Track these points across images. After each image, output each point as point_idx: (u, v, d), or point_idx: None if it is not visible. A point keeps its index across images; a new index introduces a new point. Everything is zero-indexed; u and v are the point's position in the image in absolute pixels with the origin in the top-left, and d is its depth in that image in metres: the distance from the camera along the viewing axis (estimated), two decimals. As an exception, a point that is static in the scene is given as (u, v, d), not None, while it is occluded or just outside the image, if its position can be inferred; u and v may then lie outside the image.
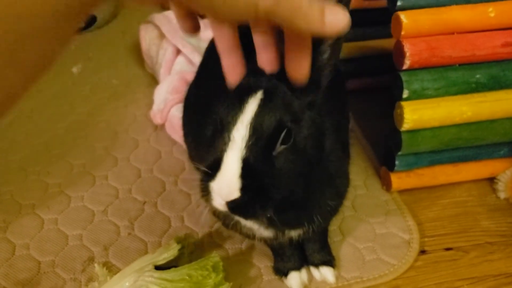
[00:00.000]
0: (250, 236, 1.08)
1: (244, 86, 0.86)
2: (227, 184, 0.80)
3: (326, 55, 0.87)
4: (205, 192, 0.84)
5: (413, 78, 1.22)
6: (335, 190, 1.03)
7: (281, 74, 0.86)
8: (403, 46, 1.19)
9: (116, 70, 2.01)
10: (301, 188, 0.89)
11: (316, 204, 0.98)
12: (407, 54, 1.19)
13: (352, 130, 1.64)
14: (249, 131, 0.81)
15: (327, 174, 0.98)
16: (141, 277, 1.09)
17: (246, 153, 0.81)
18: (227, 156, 0.81)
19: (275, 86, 0.85)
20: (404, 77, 1.22)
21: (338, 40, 0.87)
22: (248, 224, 1.01)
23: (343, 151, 1.09)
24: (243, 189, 0.80)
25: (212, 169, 0.83)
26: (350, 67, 1.75)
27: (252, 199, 0.81)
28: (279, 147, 0.83)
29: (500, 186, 1.41)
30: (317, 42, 0.84)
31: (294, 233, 1.04)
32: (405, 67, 1.20)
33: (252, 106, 0.83)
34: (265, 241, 1.15)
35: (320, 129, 0.92)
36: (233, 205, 0.81)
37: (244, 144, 0.81)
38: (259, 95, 0.83)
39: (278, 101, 0.84)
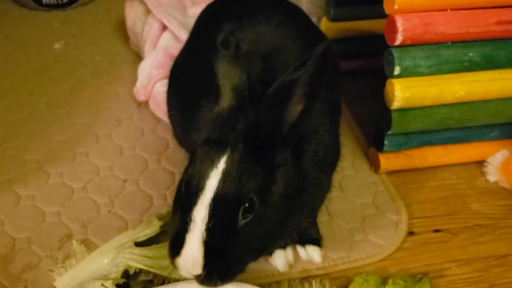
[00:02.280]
0: None
1: (209, 152, 0.86)
2: (191, 262, 0.83)
3: (299, 109, 0.87)
4: (173, 264, 0.87)
5: (405, 55, 1.19)
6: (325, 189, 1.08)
7: (249, 133, 0.86)
8: (395, 21, 1.16)
9: (99, 47, 1.96)
10: (272, 243, 0.97)
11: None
12: (400, 29, 1.15)
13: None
14: (209, 212, 0.83)
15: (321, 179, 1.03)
16: (121, 254, 1.05)
17: (206, 235, 0.83)
18: (189, 237, 0.83)
19: (239, 152, 0.84)
20: (395, 53, 1.18)
21: (316, 88, 0.86)
22: None
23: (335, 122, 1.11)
24: (206, 265, 0.83)
25: (176, 244, 0.85)
26: (341, 48, 1.71)
27: (215, 273, 0.84)
28: (241, 221, 0.85)
29: (490, 169, 1.39)
30: (286, 92, 0.85)
31: None
32: (397, 43, 1.17)
33: (213, 181, 0.83)
34: None
35: (294, 179, 0.92)
36: (198, 278, 0.85)
37: (204, 227, 0.83)
38: (221, 166, 0.84)
39: (240, 173, 0.84)
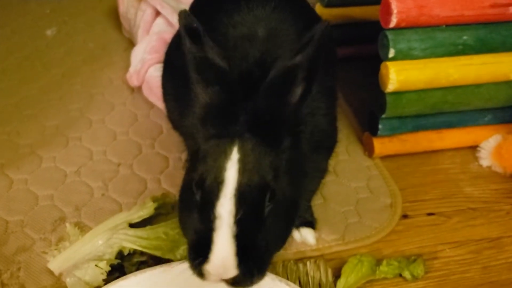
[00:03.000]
0: None
1: (217, 146, 0.82)
2: (223, 265, 0.77)
3: (298, 92, 0.84)
4: (197, 273, 0.80)
5: (399, 37, 1.19)
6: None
7: (254, 121, 0.83)
8: (390, 3, 1.15)
9: (92, 34, 1.94)
10: (290, 230, 0.90)
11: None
12: (395, 11, 1.15)
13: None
14: (236, 204, 0.78)
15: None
16: (115, 235, 1.05)
17: (237, 229, 0.77)
18: (217, 236, 0.77)
19: (249, 141, 0.81)
20: (390, 35, 1.19)
21: (314, 71, 0.83)
22: None
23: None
24: (240, 264, 0.77)
25: (200, 248, 0.79)
26: (334, 34, 1.70)
27: (250, 270, 0.79)
28: (267, 208, 0.81)
29: (483, 153, 1.39)
30: (288, 77, 0.82)
31: None
32: (391, 25, 1.17)
33: (231, 172, 0.79)
34: None
35: (299, 162, 0.90)
36: (232, 281, 0.79)
37: (232, 220, 0.77)
38: (235, 156, 0.80)
39: (256, 161, 0.81)
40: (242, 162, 0.80)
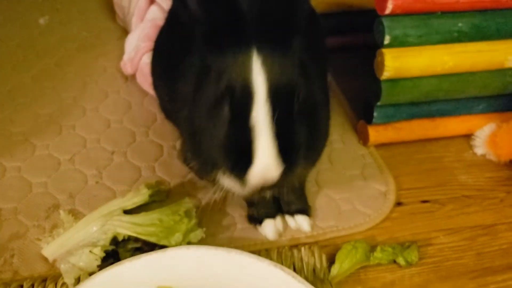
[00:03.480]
0: None
1: (234, 57, 0.82)
2: (268, 168, 0.80)
3: None
4: (240, 179, 0.82)
5: (395, 24, 1.19)
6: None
7: (263, 26, 0.82)
8: (386, -11, 1.15)
9: (85, 23, 1.93)
10: (326, 125, 0.94)
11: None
12: (390, -3, 1.15)
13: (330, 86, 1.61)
14: (270, 107, 0.79)
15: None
16: (109, 221, 1.04)
17: (276, 129, 0.79)
18: (258, 141, 0.79)
19: (264, 46, 0.81)
20: (386, 22, 1.18)
21: None
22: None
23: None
24: (281, 164, 0.80)
25: (240, 158, 0.81)
26: (329, 23, 1.70)
27: (289, 169, 0.81)
28: (296, 108, 0.83)
29: (478, 142, 1.39)
30: None
31: (276, 190, 1.04)
32: (387, 11, 1.17)
33: (259, 78, 0.79)
34: None
35: (308, 63, 0.91)
36: (273, 182, 0.82)
37: (269, 123, 0.79)
38: (257, 61, 0.80)
39: (278, 63, 0.81)
40: (266, 66, 0.80)
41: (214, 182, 1.02)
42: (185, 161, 1.29)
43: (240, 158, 0.81)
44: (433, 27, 1.20)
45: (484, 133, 1.39)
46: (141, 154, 1.34)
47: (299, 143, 0.84)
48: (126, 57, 1.55)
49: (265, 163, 0.79)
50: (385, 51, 1.20)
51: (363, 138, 1.39)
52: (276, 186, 0.84)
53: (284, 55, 0.83)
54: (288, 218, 1.16)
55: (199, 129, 0.91)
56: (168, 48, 1.21)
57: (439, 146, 1.42)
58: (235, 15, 0.83)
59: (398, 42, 1.19)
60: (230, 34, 0.83)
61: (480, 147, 1.39)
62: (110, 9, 1.92)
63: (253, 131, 0.79)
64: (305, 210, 1.17)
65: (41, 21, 1.92)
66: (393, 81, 1.24)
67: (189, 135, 0.99)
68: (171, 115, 1.29)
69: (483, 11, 1.23)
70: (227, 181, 0.89)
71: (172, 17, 1.27)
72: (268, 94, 0.79)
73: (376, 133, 1.36)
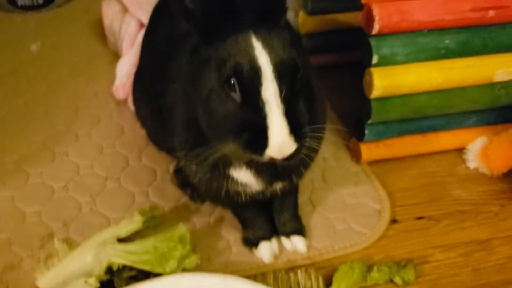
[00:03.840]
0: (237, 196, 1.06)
1: (235, 41, 0.85)
2: (283, 145, 0.83)
3: None
4: (256, 155, 0.85)
5: (382, 43, 1.20)
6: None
7: (256, 8, 0.86)
8: (372, 10, 1.16)
9: (76, 48, 1.93)
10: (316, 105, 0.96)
11: None
12: (376, 18, 1.16)
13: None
14: (277, 85, 0.82)
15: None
16: (104, 250, 1.04)
17: (285, 107, 0.82)
18: (271, 119, 0.82)
19: (261, 27, 0.85)
20: (373, 42, 1.19)
21: None
22: (245, 178, 1.00)
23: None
24: (294, 139, 0.84)
25: (255, 138, 0.83)
26: (318, 42, 1.72)
27: (300, 143, 0.85)
28: (298, 86, 0.86)
29: (470, 156, 1.40)
30: None
31: (279, 185, 1.04)
32: (374, 32, 1.18)
33: (263, 58, 0.83)
34: (240, 207, 1.15)
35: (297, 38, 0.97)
36: (287, 157, 0.85)
37: (279, 100, 0.82)
38: (258, 43, 0.84)
39: (277, 43, 0.84)
40: (267, 47, 0.84)
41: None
42: (180, 184, 1.30)
43: (256, 135, 0.84)
44: (420, 45, 1.21)
45: (476, 146, 1.40)
46: (135, 179, 1.34)
47: (306, 118, 0.87)
48: (118, 82, 1.55)
49: (281, 138, 0.82)
50: (374, 70, 1.21)
51: (356, 156, 1.40)
52: (288, 160, 0.86)
53: (279, 34, 0.86)
54: (283, 239, 1.16)
55: (205, 116, 0.92)
56: (148, 65, 1.23)
57: (432, 161, 1.43)
58: (228, 4, 0.86)
59: (386, 61, 1.20)
60: (227, 22, 0.86)
61: (473, 161, 1.40)
62: (101, 33, 1.93)
63: (264, 108, 0.82)
64: (300, 230, 1.17)
65: (33, 47, 1.92)
66: (382, 99, 1.25)
67: (189, 125, 1.01)
68: (162, 143, 1.29)
69: (468, 27, 1.24)
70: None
71: (149, 37, 1.29)
72: (273, 72, 0.83)
73: (368, 150, 1.37)
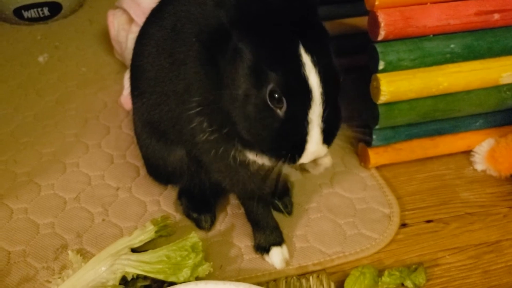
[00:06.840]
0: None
1: (283, 51, 0.84)
2: (318, 153, 0.88)
3: None
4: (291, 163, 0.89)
5: (388, 49, 1.21)
6: None
7: (300, 18, 0.86)
8: (377, 16, 1.17)
9: (84, 58, 1.95)
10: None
11: None
12: (382, 24, 1.17)
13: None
14: (323, 107, 0.84)
15: None
16: (118, 260, 1.05)
17: (324, 125, 0.85)
18: (311, 136, 0.85)
19: (308, 39, 0.84)
20: (379, 48, 1.20)
21: None
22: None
23: None
24: (326, 145, 0.89)
25: (293, 150, 0.87)
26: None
27: (328, 146, 0.89)
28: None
29: (477, 158, 1.41)
30: None
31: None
32: (380, 38, 1.19)
33: (313, 79, 0.82)
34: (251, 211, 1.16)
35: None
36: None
37: (321, 119, 0.85)
38: (307, 60, 0.82)
39: (323, 58, 0.84)
40: (317, 64, 0.83)
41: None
42: (185, 212, 1.28)
43: (294, 150, 0.87)
44: (426, 50, 1.22)
45: (483, 149, 1.40)
46: (146, 188, 1.36)
47: (339, 126, 0.92)
48: (126, 92, 1.57)
49: (316, 149, 0.87)
50: (380, 76, 1.22)
51: (364, 161, 1.41)
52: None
53: (322, 41, 0.87)
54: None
55: (239, 117, 0.91)
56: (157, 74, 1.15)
57: (440, 164, 1.44)
58: (275, 10, 0.86)
59: (393, 67, 1.21)
60: (276, 31, 0.85)
61: (480, 163, 1.40)
62: (108, 43, 1.95)
63: (307, 127, 0.85)
64: (279, 243, 1.17)
65: (41, 59, 1.94)
66: (389, 104, 1.26)
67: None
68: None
69: (473, 31, 1.25)
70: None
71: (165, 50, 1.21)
72: (322, 95, 0.84)
73: (376, 155, 1.38)
